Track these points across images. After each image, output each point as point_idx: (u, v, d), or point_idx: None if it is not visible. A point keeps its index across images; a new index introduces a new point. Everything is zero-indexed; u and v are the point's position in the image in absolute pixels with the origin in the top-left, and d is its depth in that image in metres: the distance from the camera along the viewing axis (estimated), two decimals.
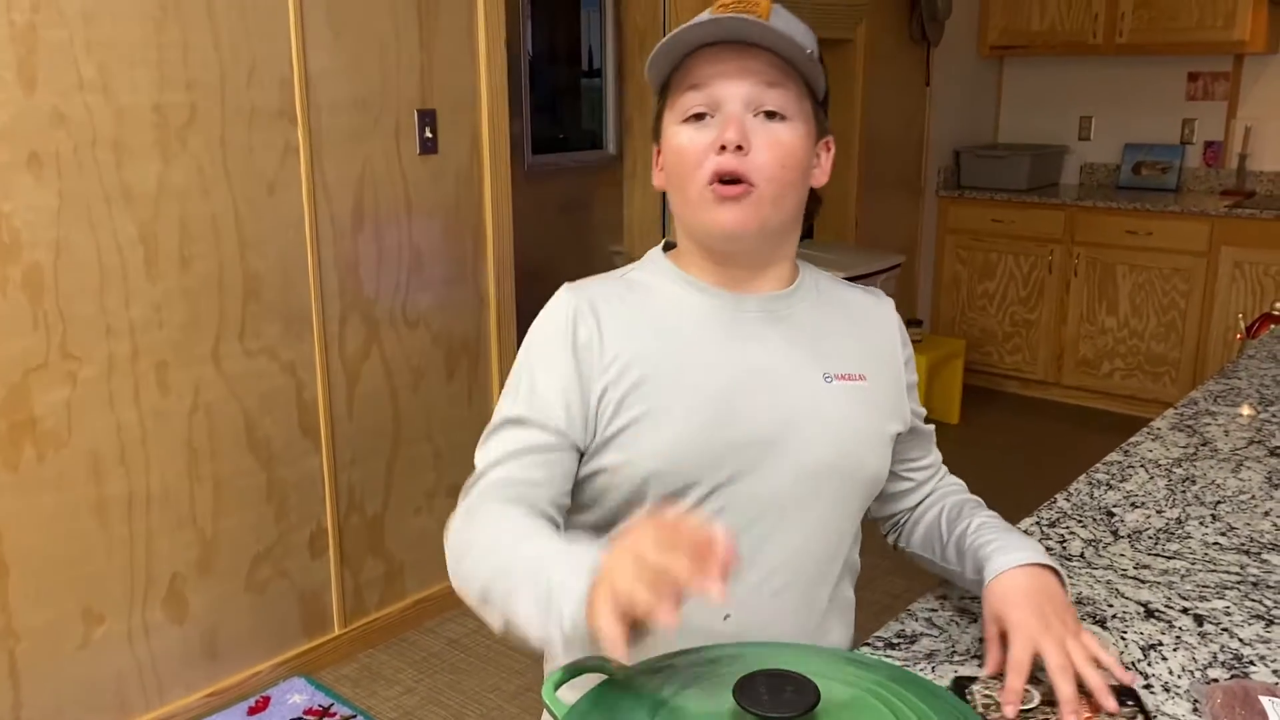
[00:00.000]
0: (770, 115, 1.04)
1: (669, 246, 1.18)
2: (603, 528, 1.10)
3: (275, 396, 2.52)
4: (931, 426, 1.28)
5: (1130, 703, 0.96)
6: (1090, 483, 1.50)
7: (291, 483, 2.59)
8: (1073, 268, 4.74)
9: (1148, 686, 0.99)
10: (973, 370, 5.00)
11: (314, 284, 2.55)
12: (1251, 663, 1.04)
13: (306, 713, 2.49)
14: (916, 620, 1.14)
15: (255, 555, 2.54)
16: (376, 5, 2.57)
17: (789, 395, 1.09)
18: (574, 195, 3.78)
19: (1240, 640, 1.08)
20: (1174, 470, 1.54)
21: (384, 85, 2.63)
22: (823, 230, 4.62)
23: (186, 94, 2.26)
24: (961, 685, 0.99)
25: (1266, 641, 1.08)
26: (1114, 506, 1.42)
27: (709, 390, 1.07)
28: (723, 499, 1.07)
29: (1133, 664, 1.04)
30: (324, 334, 2.59)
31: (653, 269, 1.15)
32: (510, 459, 1.05)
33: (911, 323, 4.52)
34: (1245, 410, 1.78)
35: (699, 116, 1.05)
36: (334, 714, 2.49)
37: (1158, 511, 1.40)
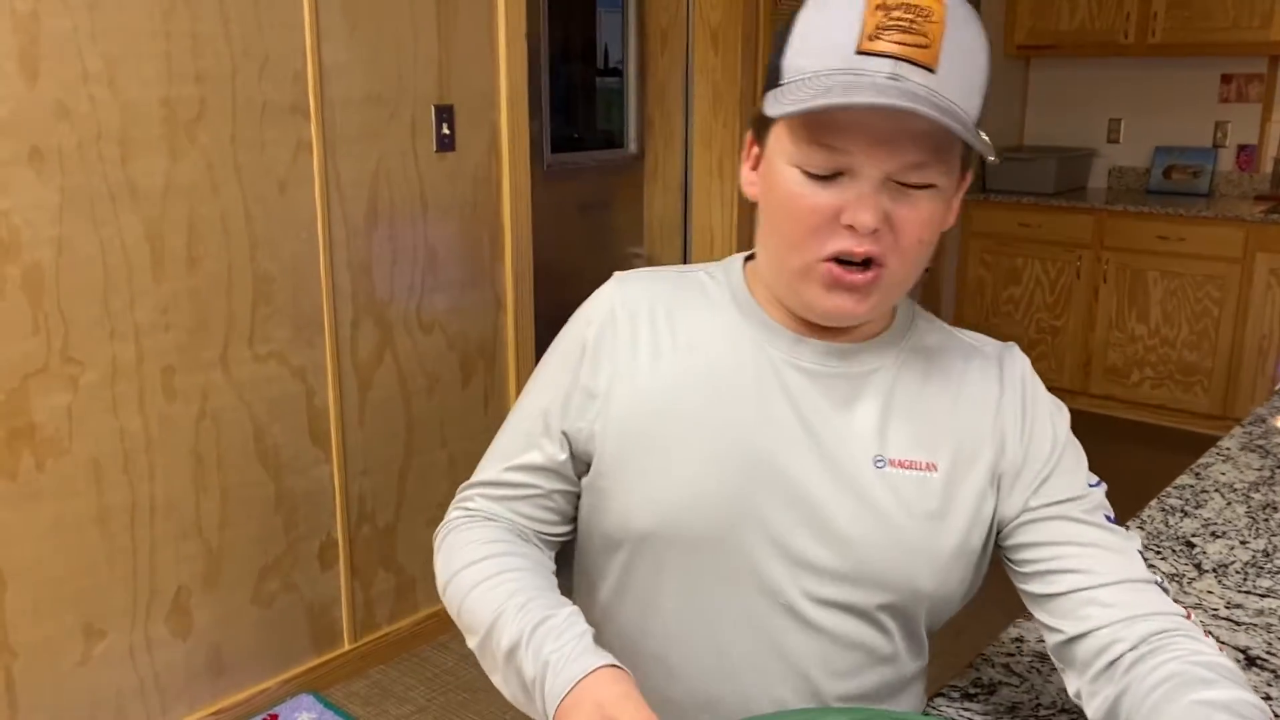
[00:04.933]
0: (917, 185, 0.83)
1: (752, 256, 0.98)
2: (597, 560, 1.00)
3: (285, 403, 2.42)
4: (1111, 522, 0.92)
5: None
6: (1164, 509, 1.39)
7: (301, 493, 2.49)
8: (1101, 273, 4.62)
9: None
10: None
11: (326, 286, 2.45)
12: None
13: None
14: (994, 667, 1.03)
15: (263, 568, 2.44)
16: None
17: (821, 475, 0.88)
18: (593, 196, 3.67)
19: None
20: (1252, 496, 1.43)
21: (400, 80, 2.53)
22: None
23: (196, 87, 2.16)
24: None
25: None
26: (1193, 536, 1.31)
27: (725, 448, 0.89)
28: (719, 583, 0.91)
29: None
30: (336, 338, 2.49)
31: (722, 278, 0.97)
32: (513, 472, 0.99)
33: None
34: None
35: (827, 176, 0.83)
36: None
37: (1241, 543, 1.29)
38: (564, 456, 0.96)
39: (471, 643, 0.92)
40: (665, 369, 0.92)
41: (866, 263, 0.83)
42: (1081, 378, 4.76)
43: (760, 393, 0.90)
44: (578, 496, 1.00)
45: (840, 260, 0.83)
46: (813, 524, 0.88)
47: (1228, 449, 1.61)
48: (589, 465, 0.95)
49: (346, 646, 2.64)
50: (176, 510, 2.26)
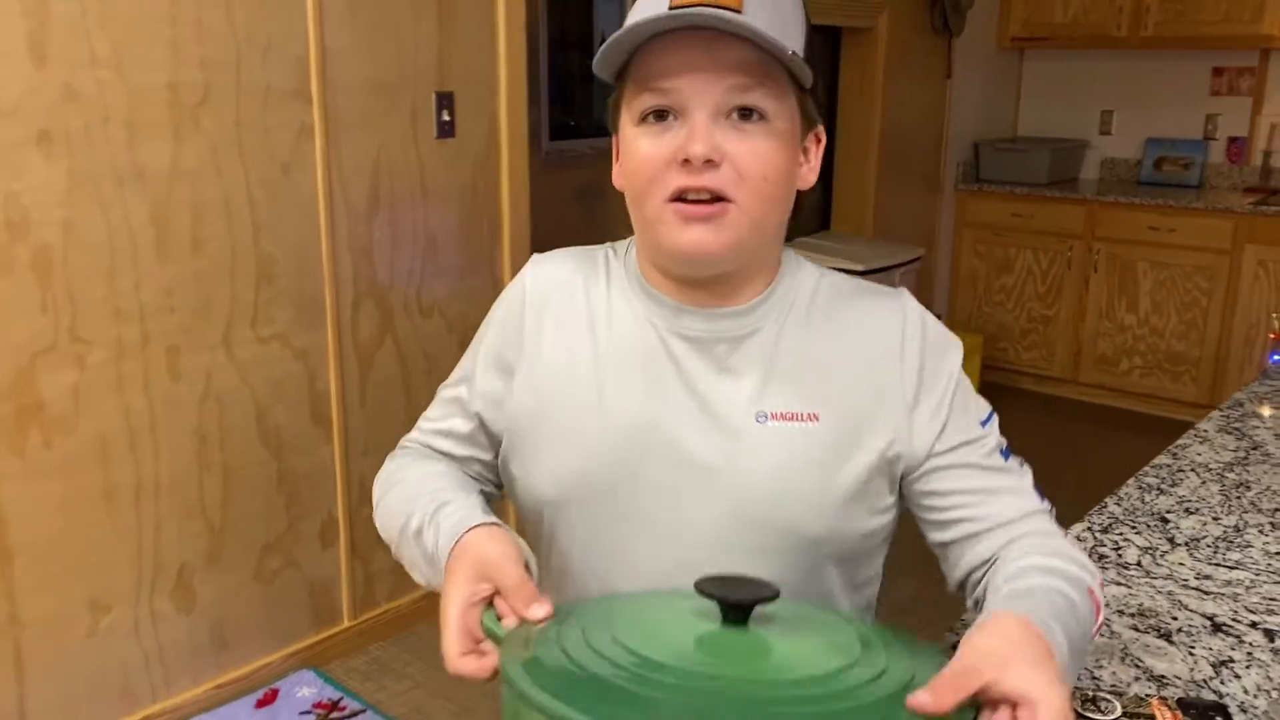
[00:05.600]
0: (746, 114, 0.87)
1: None
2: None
3: (287, 384, 2.46)
4: (1003, 456, 0.97)
5: (1219, 718, 0.90)
6: (1140, 487, 1.44)
7: (302, 472, 2.53)
8: (1092, 263, 4.67)
9: (1227, 712, 0.93)
10: (989, 366, 4.93)
11: (328, 269, 2.49)
12: None
13: (315, 706, 2.44)
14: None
15: (265, 545, 2.49)
16: None
17: (708, 437, 0.93)
18: (590, 182, 3.71)
19: None
20: (1226, 475, 1.48)
21: (402, 66, 2.56)
22: (840, 222, 4.56)
23: (201, 72, 2.20)
24: None
25: None
26: (1167, 512, 1.36)
27: (616, 420, 0.94)
28: (626, 542, 0.95)
29: (1205, 682, 0.99)
30: (337, 321, 2.53)
31: (620, 255, 1.03)
32: (435, 436, 1.08)
33: None
34: None
35: (660, 116, 0.88)
36: (344, 708, 2.44)
37: (1214, 519, 1.34)
38: (474, 427, 1.05)
39: (394, 549, 1.00)
40: (564, 349, 0.98)
41: (714, 200, 0.87)
42: (1072, 366, 4.81)
43: (647, 364, 0.95)
44: (496, 469, 1.07)
45: (686, 200, 0.88)
46: (701, 483, 0.93)
47: (1205, 431, 1.66)
48: (501, 441, 1.03)
49: (346, 623, 2.69)
50: (181, 488, 2.31)
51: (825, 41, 4.46)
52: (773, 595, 0.72)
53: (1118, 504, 1.38)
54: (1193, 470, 1.50)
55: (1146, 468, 1.51)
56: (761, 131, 0.88)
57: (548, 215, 3.42)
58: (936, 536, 0.97)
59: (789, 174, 0.92)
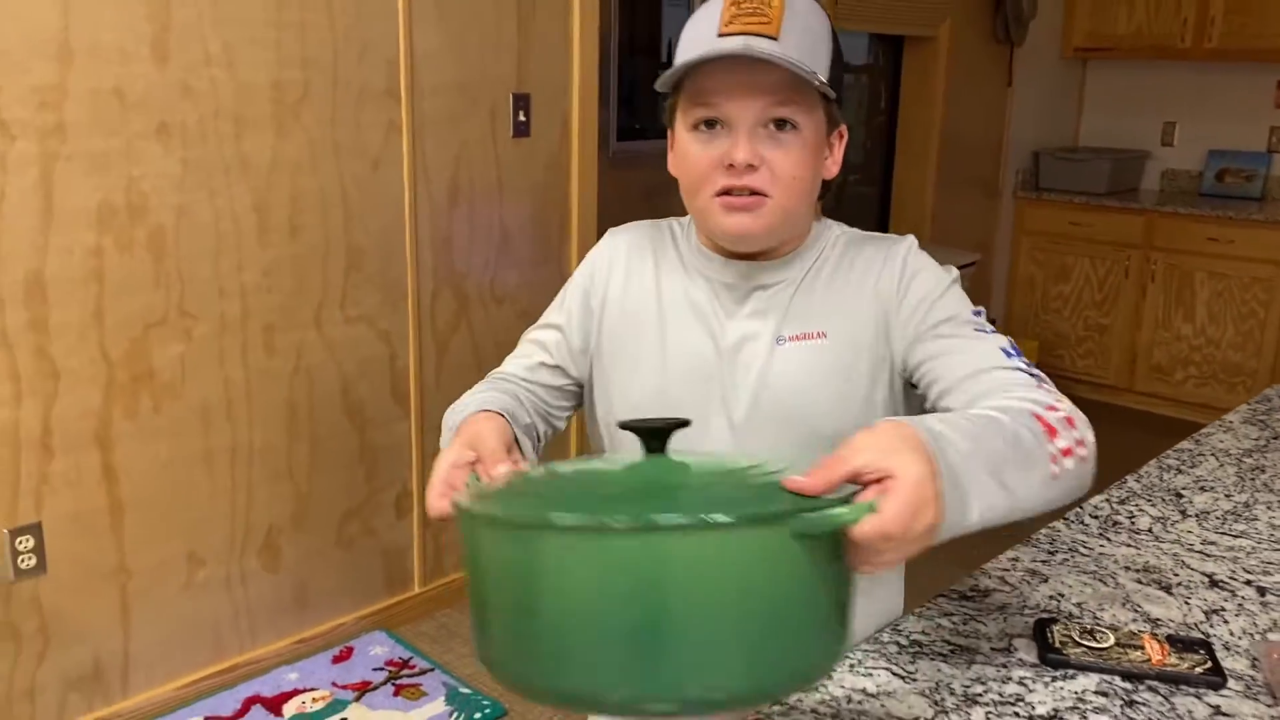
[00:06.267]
0: (781, 125, 1.04)
1: None
2: None
3: (371, 363, 2.65)
4: (983, 334, 1.08)
5: (1202, 651, 1.02)
6: (1160, 467, 1.55)
7: (381, 446, 2.72)
8: (1150, 273, 4.71)
9: (1210, 648, 1.05)
10: (1045, 372, 4.98)
11: (410, 258, 2.67)
12: None
13: (387, 664, 2.62)
14: (990, 578, 1.21)
15: (345, 512, 2.68)
16: None
17: (744, 362, 1.13)
18: (654, 182, 3.86)
19: None
20: (1244, 460, 1.59)
21: (483, 69, 2.74)
22: (898, 225, 4.66)
23: (301, 71, 2.40)
24: (1042, 625, 1.07)
25: None
26: (1183, 489, 1.47)
27: (674, 351, 1.15)
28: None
29: (1195, 625, 1.11)
30: (418, 306, 2.72)
31: (682, 226, 1.24)
32: (511, 363, 1.28)
33: None
34: None
35: (709, 125, 1.06)
36: (413, 666, 2.62)
37: (1226, 496, 1.45)
38: (548, 363, 1.25)
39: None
40: (635, 298, 1.20)
41: (755, 194, 1.06)
42: (1127, 375, 4.85)
43: (698, 309, 1.16)
44: (566, 400, 1.27)
45: (728, 194, 1.06)
46: (736, 395, 1.13)
47: (1230, 421, 1.76)
48: (588, 369, 1.24)
49: (417, 589, 2.87)
50: (272, 455, 2.50)
51: (887, 48, 4.57)
52: (684, 423, 0.83)
53: (1137, 480, 1.50)
54: (1213, 455, 1.61)
55: (1169, 451, 1.62)
56: (793, 140, 1.05)
57: (613, 212, 3.57)
58: (929, 408, 1.09)
59: (816, 170, 1.10)
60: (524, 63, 2.83)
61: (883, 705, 0.96)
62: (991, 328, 1.10)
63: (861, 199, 4.76)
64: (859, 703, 0.97)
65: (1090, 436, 0.97)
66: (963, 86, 4.57)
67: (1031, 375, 1.03)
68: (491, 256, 2.87)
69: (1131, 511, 1.39)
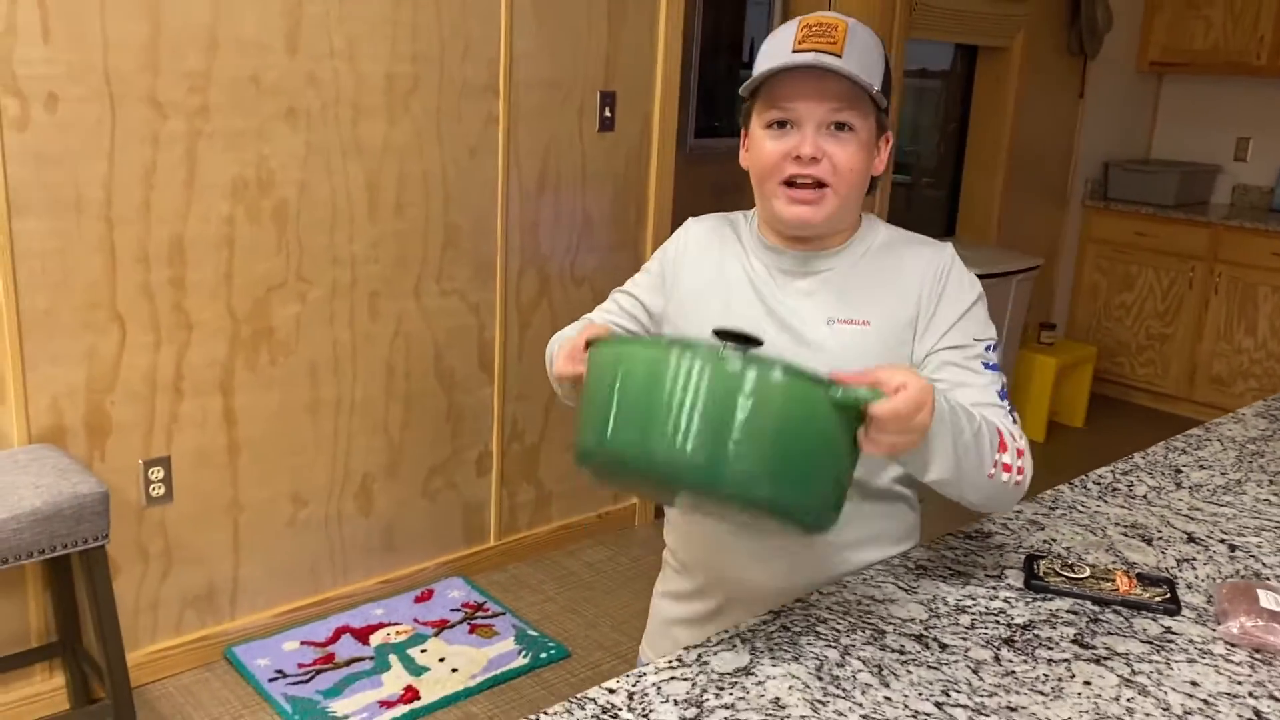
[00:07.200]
0: (840, 127, 1.25)
1: None
2: None
3: (461, 332, 2.91)
4: (986, 368, 1.28)
5: (1165, 587, 1.22)
6: (1167, 448, 1.73)
7: (467, 408, 2.98)
8: (1213, 285, 4.79)
9: (1173, 584, 1.24)
10: (1104, 379, 5.10)
11: (500, 238, 2.93)
12: (1268, 579, 1.28)
13: (464, 605, 2.89)
14: (994, 524, 1.41)
15: (432, 467, 2.95)
16: None
17: (795, 337, 1.31)
18: (727, 178, 4.07)
19: (1263, 565, 1.32)
20: (1247, 446, 1.76)
21: (574, 67, 2.98)
22: (965, 229, 4.80)
23: (412, 65, 2.66)
24: (1031, 559, 1.27)
25: None
26: (1183, 466, 1.65)
27: (732, 321, 1.28)
28: None
29: (1167, 569, 1.29)
30: (505, 283, 2.97)
31: (748, 217, 1.43)
32: (605, 318, 1.48)
33: (1045, 326, 4.67)
34: None
35: (781, 125, 1.27)
36: (486, 609, 2.88)
37: (1221, 474, 1.63)
38: (629, 315, 1.46)
39: (550, 369, 1.36)
40: (703, 277, 1.40)
41: (817, 186, 1.26)
42: (1186, 385, 4.94)
43: (758, 288, 1.35)
44: None
45: (793, 184, 1.26)
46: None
47: (1243, 414, 1.93)
48: (659, 331, 1.45)
49: (492, 543, 3.13)
50: (370, 409, 2.78)
51: (962, 57, 4.71)
52: (759, 342, 1.07)
53: (1143, 457, 1.68)
54: (1219, 440, 1.78)
55: (1177, 435, 1.79)
56: (851, 139, 1.27)
57: (686, 203, 3.80)
58: None
59: (867, 167, 1.30)
60: (612, 63, 3.07)
61: (886, 609, 1.17)
62: (995, 361, 1.31)
63: (932, 201, 4.91)
64: (866, 605, 1.18)
65: (1029, 474, 1.23)
66: (1035, 97, 4.69)
67: (1011, 416, 1.27)
68: (573, 241, 3.12)
69: (1131, 481, 1.58)
